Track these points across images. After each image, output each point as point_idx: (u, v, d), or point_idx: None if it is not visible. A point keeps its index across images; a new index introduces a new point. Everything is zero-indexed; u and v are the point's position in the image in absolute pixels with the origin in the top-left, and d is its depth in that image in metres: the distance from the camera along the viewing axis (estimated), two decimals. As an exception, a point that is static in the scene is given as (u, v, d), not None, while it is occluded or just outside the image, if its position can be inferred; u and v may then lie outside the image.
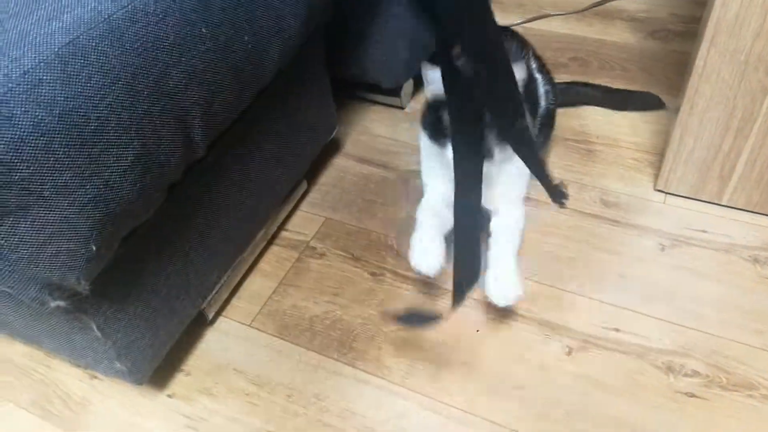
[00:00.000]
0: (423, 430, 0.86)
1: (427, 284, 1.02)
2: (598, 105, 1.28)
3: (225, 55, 0.76)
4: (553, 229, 1.08)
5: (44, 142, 0.56)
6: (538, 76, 1.10)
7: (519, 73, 0.85)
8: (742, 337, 0.91)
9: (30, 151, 0.56)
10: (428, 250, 0.92)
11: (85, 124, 0.59)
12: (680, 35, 1.44)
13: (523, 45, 1.11)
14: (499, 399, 0.87)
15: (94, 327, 0.74)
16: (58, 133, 0.57)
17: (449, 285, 1.01)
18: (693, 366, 0.88)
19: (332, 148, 1.28)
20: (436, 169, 1.02)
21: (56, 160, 0.57)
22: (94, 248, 0.63)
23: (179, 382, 0.94)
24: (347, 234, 1.12)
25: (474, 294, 0.99)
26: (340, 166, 1.26)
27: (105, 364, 0.82)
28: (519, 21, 1.54)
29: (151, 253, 0.80)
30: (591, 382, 0.88)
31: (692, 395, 0.85)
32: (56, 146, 0.57)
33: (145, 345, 0.83)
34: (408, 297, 1.01)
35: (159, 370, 0.90)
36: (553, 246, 1.05)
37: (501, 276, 0.91)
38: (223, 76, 0.77)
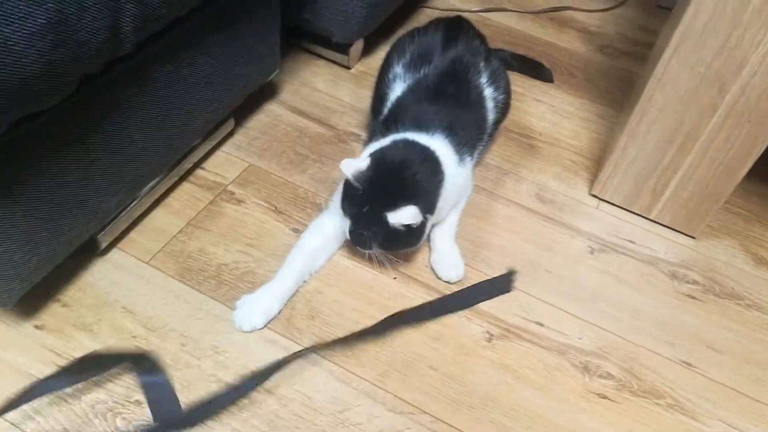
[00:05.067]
0: (329, 400, 0.78)
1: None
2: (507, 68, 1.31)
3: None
4: (487, 215, 1.04)
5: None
6: (487, 92, 1.03)
7: None
8: (656, 347, 0.91)
9: None
10: (254, 311, 0.84)
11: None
12: (626, 54, 1.46)
13: (479, 53, 1.03)
14: (412, 377, 0.82)
15: (-43, 225, 0.60)
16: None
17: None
18: (608, 369, 0.87)
19: (268, 92, 1.18)
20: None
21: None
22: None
23: (53, 312, 0.81)
24: (272, 185, 1.03)
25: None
26: (273, 113, 1.15)
27: (-37, 277, 0.68)
28: (476, 8, 1.50)
29: (47, 151, 0.67)
30: (509, 371, 0.84)
31: (604, 397, 0.84)
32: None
33: (17, 260, 0.69)
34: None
35: (29, 296, 0.77)
36: (485, 233, 1.02)
37: (444, 259, 0.95)
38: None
